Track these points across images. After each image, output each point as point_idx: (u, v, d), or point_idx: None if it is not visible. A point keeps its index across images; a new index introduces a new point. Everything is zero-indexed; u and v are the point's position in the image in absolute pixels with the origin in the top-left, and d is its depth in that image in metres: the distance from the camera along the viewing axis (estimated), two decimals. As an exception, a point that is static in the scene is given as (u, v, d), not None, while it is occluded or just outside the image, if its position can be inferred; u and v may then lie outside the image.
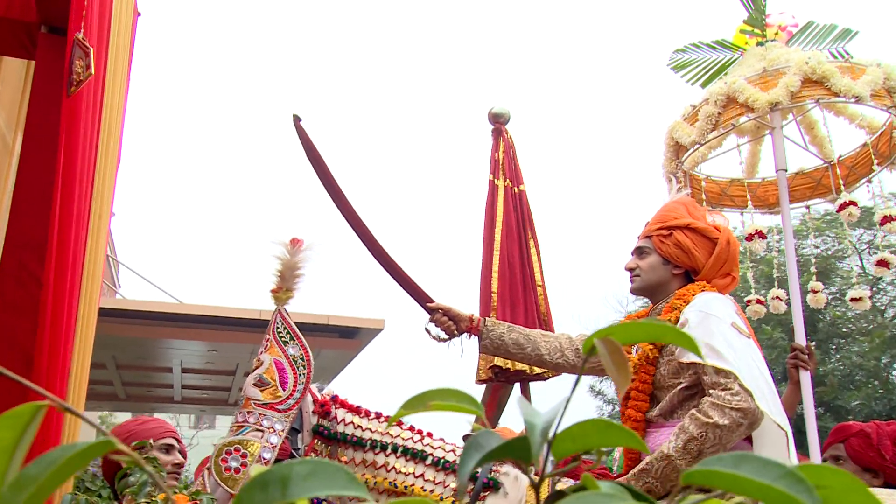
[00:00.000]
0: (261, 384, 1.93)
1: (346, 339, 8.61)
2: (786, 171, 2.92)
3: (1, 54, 3.25)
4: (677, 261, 2.05)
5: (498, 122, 3.64)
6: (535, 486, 0.44)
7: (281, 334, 1.98)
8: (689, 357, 1.84)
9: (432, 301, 2.26)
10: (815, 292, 3.05)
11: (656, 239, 2.08)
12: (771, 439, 1.85)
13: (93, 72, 2.27)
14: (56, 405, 0.41)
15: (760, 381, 1.80)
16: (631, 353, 2.07)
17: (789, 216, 2.86)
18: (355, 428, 1.91)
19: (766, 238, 3.02)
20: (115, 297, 10.18)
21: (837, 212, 2.81)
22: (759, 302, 3.12)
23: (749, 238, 3.01)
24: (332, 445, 1.91)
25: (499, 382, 3.38)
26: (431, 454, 1.89)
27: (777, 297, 3.05)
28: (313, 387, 2.04)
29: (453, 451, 1.93)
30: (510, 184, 3.49)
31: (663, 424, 1.94)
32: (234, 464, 1.85)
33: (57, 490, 1.89)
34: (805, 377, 2.60)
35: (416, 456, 1.88)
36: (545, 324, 3.39)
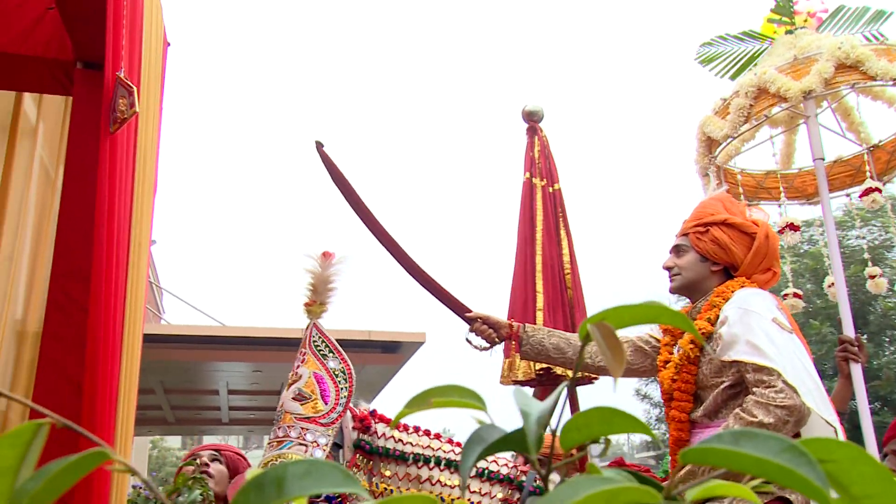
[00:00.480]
0: (301, 398, 1.94)
1: (389, 353, 8.65)
2: (823, 159, 2.85)
3: (41, 92, 3.36)
4: (715, 257, 2.02)
5: (532, 120, 3.61)
6: (543, 478, 0.43)
7: (319, 347, 1.98)
8: (731, 355, 1.80)
9: (470, 311, 2.27)
10: (873, 277, 2.95)
11: (693, 236, 2.05)
12: (819, 435, 1.79)
13: (137, 110, 2.33)
14: (57, 422, 0.41)
15: (805, 376, 1.76)
16: (672, 354, 2.03)
17: (829, 206, 2.79)
18: (396, 442, 1.91)
19: (798, 230, 2.95)
20: (160, 322, 10.39)
21: (860, 198, 2.73)
22: (796, 296, 3.05)
23: (781, 231, 2.94)
24: (374, 460, 1.91)
25: (545, 385, 3.35)
26: (475, 465, 1.88)
27: (832, 285, 2.96)
28: (361, 403, 2.05)
29: (495, 461, 1.91)
30: (545, 183, 3.46)
31: (708, 425, 1.91)
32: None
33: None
34: (856, 370, 2.52)
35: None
36: (572, 326, 3.34)
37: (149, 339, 6.61)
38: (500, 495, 1.83)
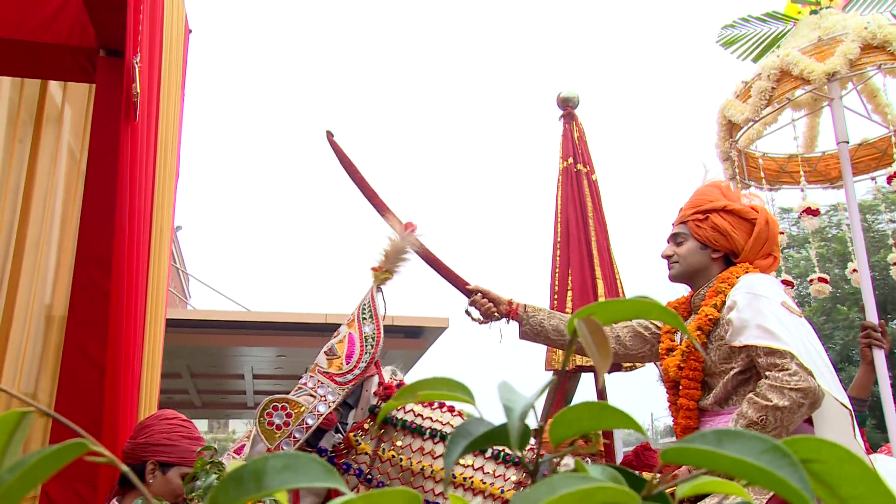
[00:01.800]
0: (330, 353, 1.97)
1: (412, 338, 8.69)
2: (847, 142, 2.79)
3: (65, 79, 3.41)
4: (716, 244, 2.01)
5: (567, 106, 3.54)
6: (532, 473, 0.43)
7: (364, 311, 2.01)
8: (742, 340, 1.79)
9: (469, 284, 2.26)
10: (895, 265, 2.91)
11: (692, 224, 2.04)
12: (833, 418, 1.78)
13: (138, 91, 2.36)
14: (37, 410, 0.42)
15: (817, 358, 1.75)
16: (675, 342, 2.02)
17: (853, 190, 2.74)
18: (416, 416, 1.91)
19: (818, 214, 2.90)
20: (187, 307, 10.53)
21: (888, 182, 2.68)
22: (821, 280, 3.00)
23: (800, 216, 2.89)
24: (387, 429, 1.92)
25: (565, 374, 3.32)
26: (491, 447, 1.88)
27: (855, 271, 2.92)
28: (387, 370, 2.06)
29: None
30: (588, 170, 3.41)
31: (719, 412, 1.89)
32: (277, 420, 1.89)
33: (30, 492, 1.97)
34: (879, 356, 2.49)
35: (476, 448, 1.87)
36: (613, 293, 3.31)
37: (175, 324, 6.72)
38: (513, 478, 1.83)
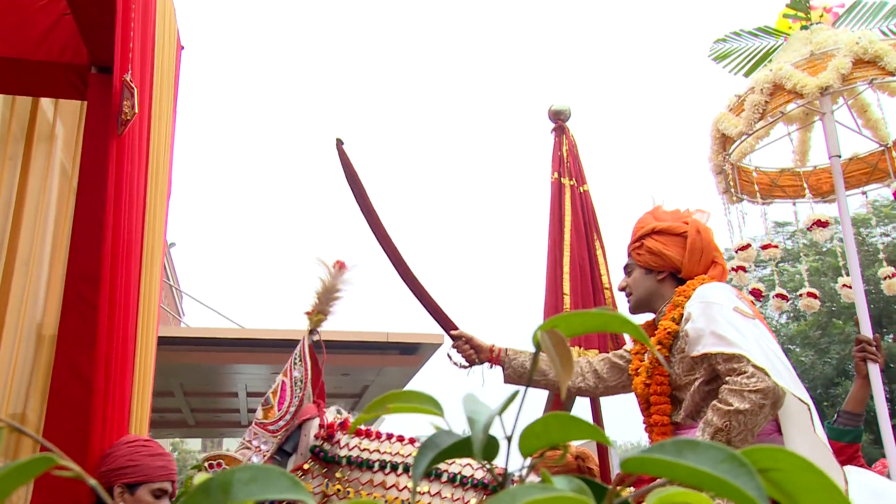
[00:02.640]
0: (265, 404, 1.98)
1: (408, 355, 8.66)
2: (839, 157, 2.80)
3: (56, 97, 3.40)
4: (656, 266, 2.05)
5: (559, 119, 3.50)
6: (500, 485, 0.43)
7: (296, 357, 2.00)
8: (699, 349, 1.80)
9: (456, 328, 2.31)
10: (886, 278, 2.90)
11: (633, 253, 2.11)
12: (794, 414, 1.80)
13: (136, 111, 2.35)
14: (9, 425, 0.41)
15: (773, 358, 1.77)
16: (643, 361, 2.03)
17: (846, 204, 2.74)
18: (361, 451, 1.89)
19: (827, 226, 2.90)
20: (180, 325, 10.47)
21: (894, 197, 2.68)
22: (810, 295, 3.00)
23: (809, 228, 2.90)
24: (330, 467, 1.90)
25: (558, 397, 3.30)
26: (447, 470, 1.85)
27: (845, 286, 2.92)
28: (331, 409, 2.05)
29: (469, 465, 1.88)
30: (574, 183, 3.40)
31: (692, 426, 1.90)
32: None
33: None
34: (874, 371, 2.48)
35: (430, 474, 1.80)
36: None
37: (168, 341, 6.68)
38: (473, 501, 1.80)
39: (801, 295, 3.01)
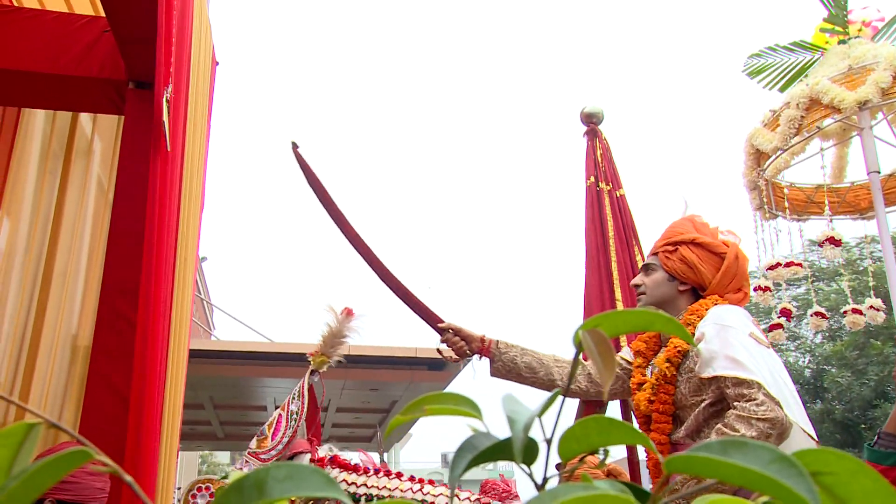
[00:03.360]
0: (260, 434, 2.00)
1: (436, 370, 8.65)
2: (879, 172, 2.74)
3: (95, 112, 3.47)
4: (683, 277, 2.00)
5: (591, 122, 3.44)
6: (539, 489, 0.41)
7: (295, 392, 2.03)
8: (710, 371, 1.77)
9: (442, 321, 2.22)
10: None
11: (662, 255, 2.04)
12: (797, 447, 1.74)
13: (165, 120, 2.39)
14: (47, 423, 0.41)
15: (784, 389, 1.73)
16: (646, 376, 1.99)
17: (886, 220, 2.67)
18: (349, 485, 1.88)
19: (840, 245, 2.84)
20: (211, 338, 10.57)
21: None
22: (855, 311, 2.93)
23: (821, 244, 2.83)
24: (317, 502, 1.89)
25: (592, 400, 3.24)
26: (433, 503, 1.83)
27: (872, 307, 2.86)
28: (325, 447, 2.05)
29: (457, 496, 1.86)
30: (611, 187, 3.34)
31: (690, 445, 1.85)
32: (201, 501, 1.88)
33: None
34: (917, 392, 2.40)
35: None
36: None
37: (199, 354, 6.74)
38: None
39: (844, 312, 2.94)
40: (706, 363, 1.79)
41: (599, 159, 3.36)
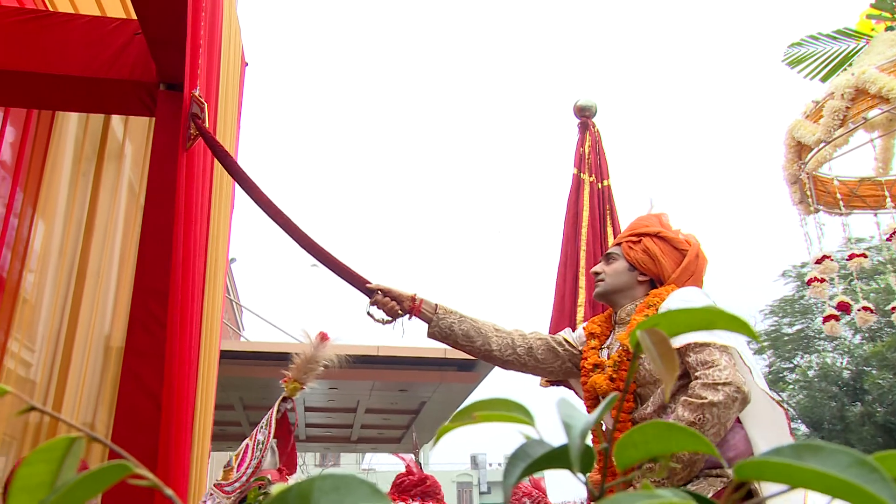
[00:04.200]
0: (227, 465, 1.95)
1: (465, 371, 8.61)
2: (929, 165, 2.64)
3: (127, 114, 3.49)
4: (644, 267, 2.03)
5: (584, 115, 3.44)
6: (595, 499, 0.39)
7: (263, 423, 1.96)
8: (677, 342, 1.75)
9: (370, 283, 2.16)
10: None
11: (626, 245, 2.08)
12: (764, 414, 1.75)
13: (207, 125, 2.38)
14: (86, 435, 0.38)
15: (747, 356, 1.74)
16: (601, 357, 2.00)
17: (937, 215, 2.58)
18: None
19: None
20: (240, 339, 10.64)
21: None
22: None
23: (889, 238, 2.74)
24: None
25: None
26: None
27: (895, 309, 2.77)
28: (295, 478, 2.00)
29: None
30: (594, 179, 3.37)
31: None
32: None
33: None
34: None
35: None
36: None
37: (228, 355, 6.77)
38: None
39: (893, 309, 2.84)
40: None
41: (587, 151, 3.39)
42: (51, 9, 3.41)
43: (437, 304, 2.15)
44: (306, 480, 0.34)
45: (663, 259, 2.02)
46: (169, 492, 0.36)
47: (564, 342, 2.18)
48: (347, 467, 36.89)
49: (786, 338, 18.83)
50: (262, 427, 1.94)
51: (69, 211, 3.41)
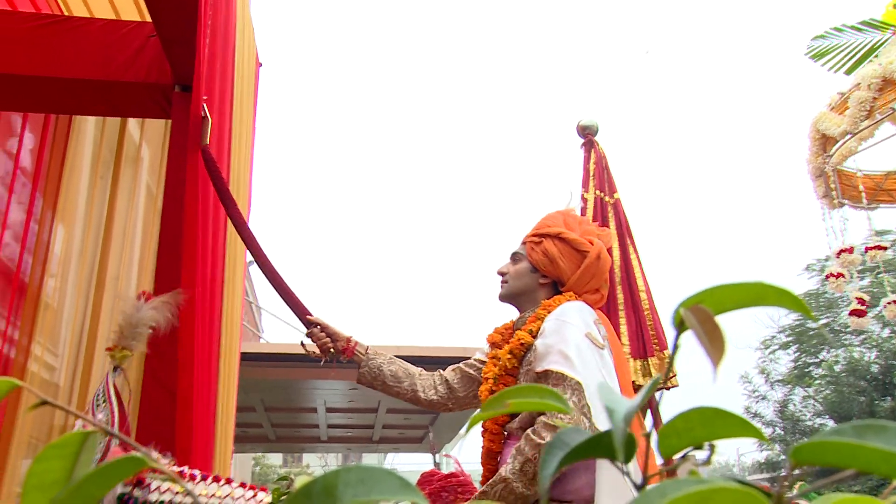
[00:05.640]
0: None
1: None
2: (959, 155, 2.57)
3: (143, 117, 3.50)
4: (544, 270, 2.00)
5: (587, 134, 3.52)
6: (638, 487, 0.38)
7: (98, 398, 1.81)
8: (542, 365, 1.76)
9: (311, 314, 2.21)
10: None
11: (529, 246, 2.05)
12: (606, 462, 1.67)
13: (210, 119, 2.38)
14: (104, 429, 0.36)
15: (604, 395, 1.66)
16: (495, 367, 1.97)
17: (969, 206, 2.51)
18: (174, 494, 1.74)
19: None
20: (260, 341, 10.69)
21: None
22: None
23: None
24: None
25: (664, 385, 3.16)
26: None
27: (892, 302, 2.70)
28: (144, 450, 1.87)
29: None
30: (600, 194, 3.38)
31: (520, 437, 1.82)
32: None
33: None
34: None
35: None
36: (652, 324, 3.18)
37: (248, 357, 6.80)
38: None
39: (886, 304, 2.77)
40: (541, 358, 1.79)
41: (592, 169, 3.41)
42: (66, 13, 3.43)
43: (368, 347, 2.19)
44: (331, 472, 0.34)
45: (562, 262, 1.98)
46: (188, 486, 0.34)
47: (477, 363, 2.17)
48: (369, 467, 36.90)
49: (811, 332, 18.59)
50: (98, 405, 1.79)
51: (88, 215, 3.43)
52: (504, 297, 2.08)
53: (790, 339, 18.81)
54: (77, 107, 3.21)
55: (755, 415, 18.43)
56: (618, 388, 1.80)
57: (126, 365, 1.85)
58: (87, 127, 3.59)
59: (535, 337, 1.89)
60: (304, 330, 2.23)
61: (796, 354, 18.98)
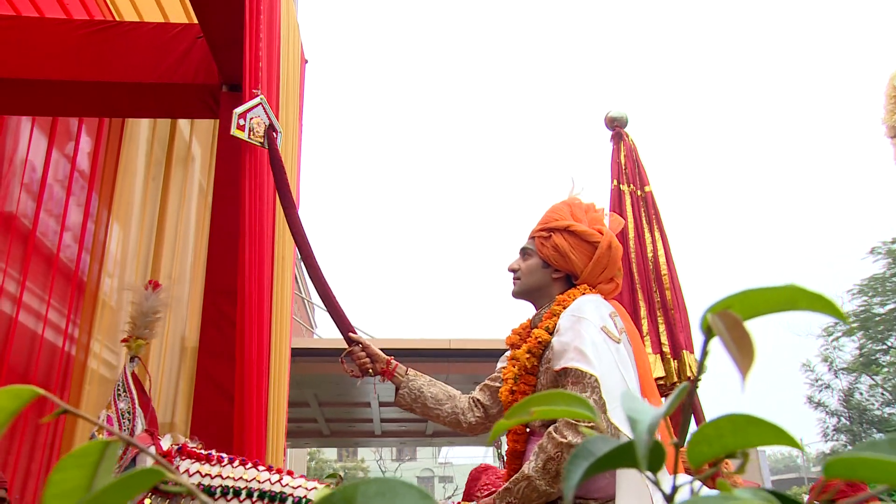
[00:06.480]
0: (91, 439, 1.83)
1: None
2: None
3: (192, 117, 3.56)
4: (556, 264, 1.96)
5: (616, 126, 3.48)
6: (668, 499, 0.37)
7: (119, 388, 1.85)
8: (560, 363, 1.74)
9: (355, 332, 2.21)
10: None
11: (538, 241, 2.00)
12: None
13: (268, 122, 2.39)
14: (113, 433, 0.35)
15: (623, 387, 1.69)
16: (514, 369, 1.94)
17: None
18: (203, 476, 1.74)
19: None
20: (313, 337, 10.82)
21: None
22: None
23: None
24: (173, 498, 1.75)
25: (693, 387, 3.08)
26: (291, 494, 1.70)
27: None
28: (166, 438, 1.89)
29: (316, 488, 1.73)
30: (633, 188, 3.33)
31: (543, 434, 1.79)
32: None
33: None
34: None
35: (275, 499, 1.71)
36: (677, 308, 3.12)
37: (302, 353, 6.88)
38: None
39: None
40: (558, 356, 1.77)
41: (623, 162, 3.35)
42: (117, 18, 3.51)
43: (408, 369, 2.19)
44: (350, 485, 0.33)
45: (573, 255, 1.94)
46: (203, 497, 0.33)
47: (499, 374, 2.14)
48: (424, 461, 37.17)
49: (877, 318, 17.92)
50: (119, 395, 1.86)
51: (142, 214, 3.50)
52: (518, 294, 2.06)
53: (855, 325, 18.18)
54: (129, 109, 3.28)
55: (819, 404, 17.88)
56: (635, 380, 1.79)
57: (142, 353, 1.92)
58: (140, 128, 3.67)
59: (551, 334, 1.88)
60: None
61: (862, 341, 18.33)
